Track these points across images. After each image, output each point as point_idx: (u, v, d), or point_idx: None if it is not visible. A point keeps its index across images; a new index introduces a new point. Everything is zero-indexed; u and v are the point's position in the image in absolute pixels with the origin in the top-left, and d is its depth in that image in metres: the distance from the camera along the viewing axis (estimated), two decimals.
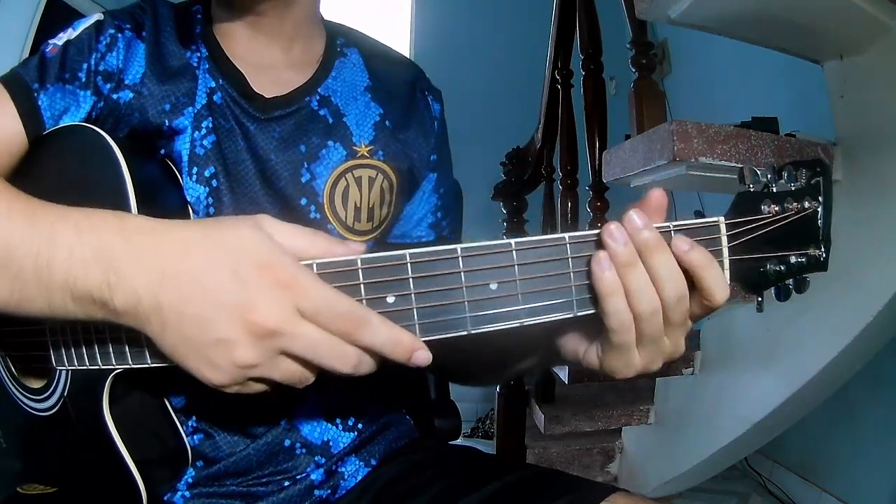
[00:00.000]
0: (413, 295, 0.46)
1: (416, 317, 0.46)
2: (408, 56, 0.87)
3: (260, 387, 0.46)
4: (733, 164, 1.27)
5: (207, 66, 0.71)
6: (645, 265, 0.47)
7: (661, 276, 0.47)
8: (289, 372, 0.45)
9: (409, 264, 0.46)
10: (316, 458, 0.74)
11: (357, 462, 0.77)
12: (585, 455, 1.88)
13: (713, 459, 1.64)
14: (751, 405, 1.50)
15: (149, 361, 0.53)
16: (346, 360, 0.44)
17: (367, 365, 0.45)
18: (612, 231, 0.46)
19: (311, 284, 0.43)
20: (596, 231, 0.48)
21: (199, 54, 0.71)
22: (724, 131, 1.25)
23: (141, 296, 0.44)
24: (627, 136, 1.52)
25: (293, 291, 0.43)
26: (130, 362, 0.54)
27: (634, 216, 0.46)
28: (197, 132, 0.69)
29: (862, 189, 1.28)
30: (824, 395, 1.51)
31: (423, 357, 0.45)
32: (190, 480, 0.71)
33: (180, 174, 0.68)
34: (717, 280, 0.48)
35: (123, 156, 0.57)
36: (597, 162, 1.68)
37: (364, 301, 0.46)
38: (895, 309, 1.21)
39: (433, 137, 0.82)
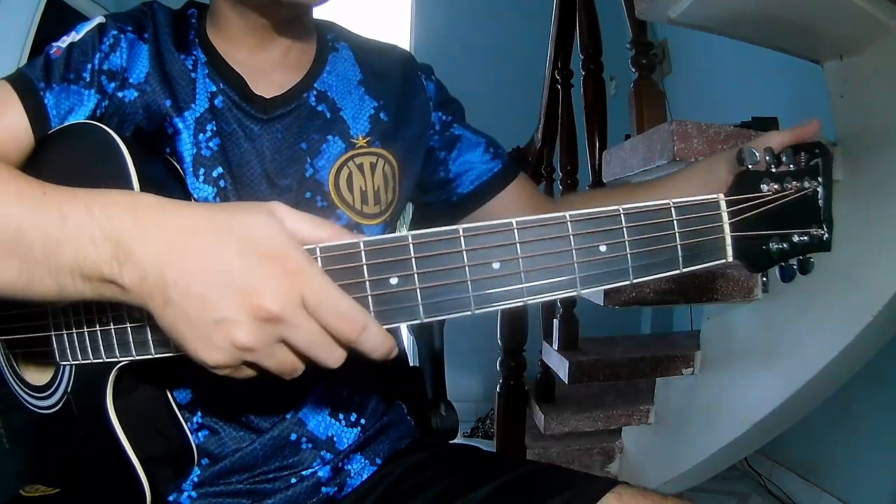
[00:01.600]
0: (416, 275, 0.46)
1: (419, 297, 0.46)
2: None
3: (250, 372, 0.47)
4: None
5: (206, 70, 0.73)
6: None
7: None
8: (283, 361, 0.46)
9: (411, 245, 0.46)
10: (322, 454, 0.74)
11: (363, 460, 0.77)
12: (585, 455, 1.88)
13: (713, 459, 1.63)
14: (751, 405, 1.50)
15: (153, 352, 0.53)
16: (336, 358, 0.46)
17: (344, 358, 0.47)
18: None
19: (317, 278, 0.44)
20: (597, 210, 0.48)
21: (196, 59, 0.73)
22: (724, 131, 1.26)
23: (147, 271, 0.44)
24: (627, 136, 1.53)
25: (299, 281, 0.43)
26: (134, 354, 0.54)
27: None
28: (202, 134, 0.70)
29: (862, 189, 1.28)
30: (824, 395, 1.51)
31: (393, 354, 0.47)
32: (196, 479, 0.71)
33: (184, 175, 0.69)
34: None
35: (129, 153, 0.58)
36: (597, 162, 1.69)
37: (367, 283, 0.46)
38: (895, 309, 1.21)
39: (431, 112, 0.85)
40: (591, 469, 1.86)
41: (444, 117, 0.86)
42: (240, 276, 0.43)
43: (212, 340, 0.44)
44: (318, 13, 0.80)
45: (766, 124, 1.43)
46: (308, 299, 0.43)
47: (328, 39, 0.81)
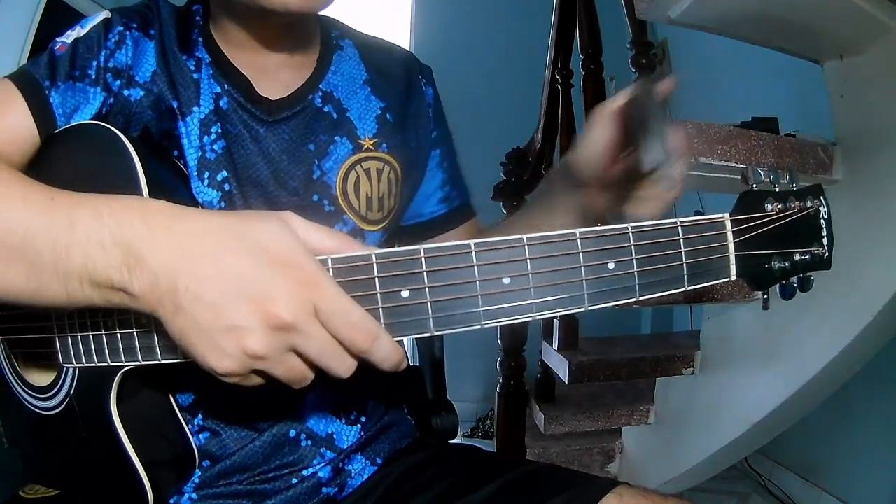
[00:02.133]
0: (427, 289, 0.46)
1: (430, 311, 0.47)
2: None
3: (259, 380, 0.46)
4: (733, 164, 1.27)
5: (211, 71, 0.71)
6: None
7: None
8: (293, 370, 0.45)
9: (423, 259, 0.46)
10: (321, 451, 0.74)
11: (363, 460, 0.77)
12: (585, 455, 1.88)
13: (713, 459, 1.64)
14: (751, 405, 1.50)
15: (159, 358, 0.52)
16: (347, 367, 0.45)
17: (355, 368, 0.46)
18: None
19: (330, 288, 0.44)
20: (606, 227, 0.49)
21: (200, 60, 0.72)
22: (724, 131, 1.26)
23: (159, 276, 0.43)
24: None
25: (312, 290, 0.43)
26: (140, 359, 0.53)
27: None
28: (206, 137, 0.69)
29: (862, 189, 1.28)
30: (824, 395, 1.51)
31: (403, 366, 0.47)
32: (196, 481, 0.70)
33: (189, 178, 0.69)
34: None
35: (138, 155, 0.57)
36: None
37: (379, 295, 0.46)
38: (895, 309, 1.21)
39: (430, 122, 0.84)
40: (591, 469, 1.86)
41: (431, 132, 0.85)
42: (252, 283, 0.43)
43: (222, 348, 0.43)
44: (326, 12, 0.79)
45: (766, 124, 1.43)
46: (321, 309, 0.43)
47: (333, 37, 0.80)
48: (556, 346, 1.85)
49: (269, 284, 0.43)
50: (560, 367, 1.76)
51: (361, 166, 0.75)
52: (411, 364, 0.97)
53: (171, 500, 0.70)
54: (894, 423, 1.83)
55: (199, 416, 0.70)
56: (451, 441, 0.95)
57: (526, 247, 0.47)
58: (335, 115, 0.75)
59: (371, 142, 0.76)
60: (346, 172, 0.74)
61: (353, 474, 0.76)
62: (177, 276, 0.43)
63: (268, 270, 0.43)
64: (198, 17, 0.74)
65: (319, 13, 0.78)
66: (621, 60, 1.66)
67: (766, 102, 2.22)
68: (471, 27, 3.42)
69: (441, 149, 0.86)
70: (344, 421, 0.76)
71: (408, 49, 0.88)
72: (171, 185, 0.65)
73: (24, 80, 0.66)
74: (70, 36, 0.68)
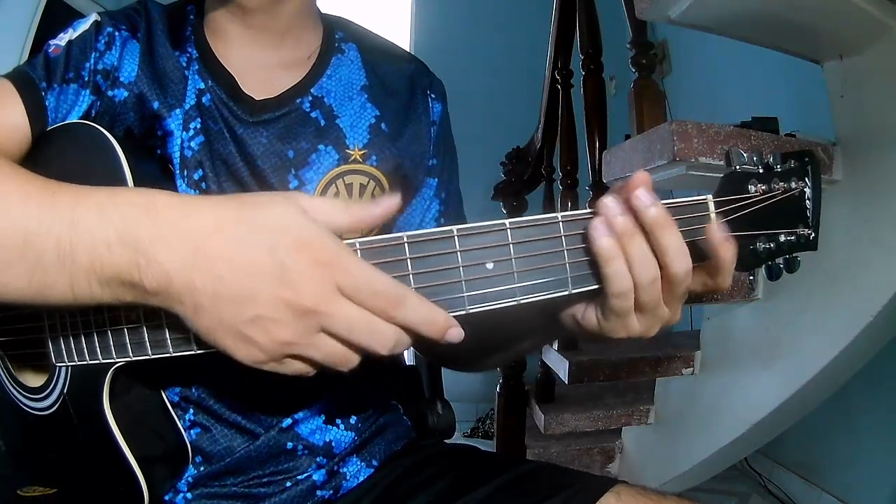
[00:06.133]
0: (411, 276, 0.46)
1: None
2: None
3: (300, 366, 0.46)
4: None
5: (197, 67, 0.71)
6: (652, 239, 0.47)
7: (667, 250, 0.47)
8: (330, 351, 0.44)
9: (406, 244, 0.46)
10: (318, 459, 0.74)
11: (358, 462, 0.76)
12: (585, 455, 1.88)
13: (713, 459, 1.64)
14: (751, 405, 1.50)
15: (150, 353, 0.53)
16: (384, 340, 0.44)
17: (403, 343, 0.45)
18: (608, 204, 0.47)
19: (350, 262, 0.43)
20: (589, 210, 0.49)
21: (189, 56, 0.71)
22: (724, 131, 1.25)
23: (172, 276, 0.43)
24: (627, 136, 1.52)
25: (333, 269, 0.42)
26: (131, 355, 0.54)
27: (641, 194, 0.47)
28: (185, 133, 0.69)
29: (862, 189, 1.28)
30: (824, 395, 1.51)
31: (456, 334, 0.45)
32: (190, 480, 0.70)
33: (174, 176, 0.68)
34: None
35: (124, 154, 0.57)
36: (597, 162, 1.69)
37: None
38: (895, 309, 1.21)
39: (430, 142, 0.79)
40: (591, 469, 1.86)
41: (431, 151, 0.79)
42: (270, 272, 0.42)
43: (251, 339, 0.43)
44: (324, 7, 0.78)
45: (766, 124, 1.42)
46: (344, 286, 0.43)
47: (336, 39, 0.78)
48: (555, 345, 1.85)
49: (287, 271, 0.42)
50: (560, 366, 1.76)
51: (343, 181, 0.72)
52: (407, 363, 0.96)
53: (166, 498, 0.70)
54: (894, 423, 1.82)
55: (190, 412, 0.70)
56: (448, 441, 0.95)
57: (508, 231, 0.48)
58: (322, 122, 0.72)
59: (360, 153, 0.73)
60: (325, 186, 0.71)
61: (348, 476, 0.75)
62: (192, 274, 0.42)
63: (283, 257, 0.42)
64: (191, 16, 0.74)
65: (327, 13, 0.78)
66: (621, 60, 1.65)
67: (766, 102, 2.22)
68: (471, 27, 3.43)
69: (440, 179, 0.80)
70: (342, 427, 0.75)
71: (420, 59, 0.83)
72: (159, 183, 0.65)
73: (22, 80, 0.66)
74: (63, 38, 0.69)
